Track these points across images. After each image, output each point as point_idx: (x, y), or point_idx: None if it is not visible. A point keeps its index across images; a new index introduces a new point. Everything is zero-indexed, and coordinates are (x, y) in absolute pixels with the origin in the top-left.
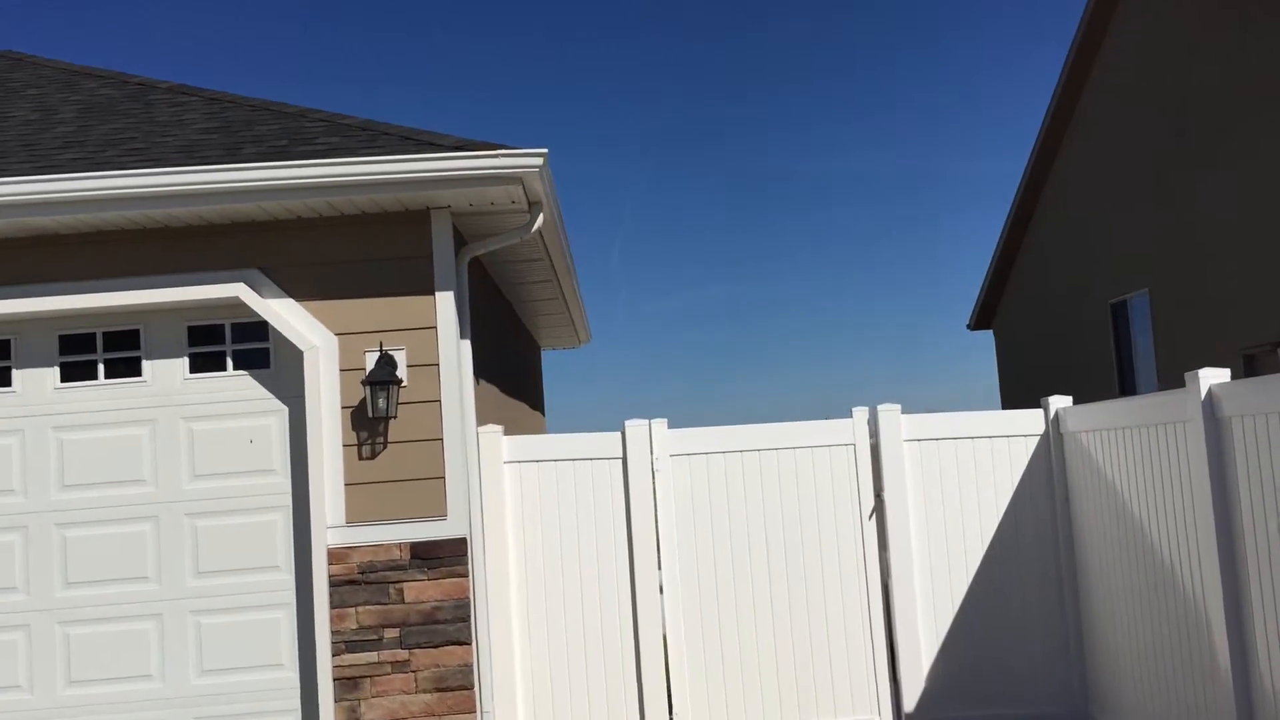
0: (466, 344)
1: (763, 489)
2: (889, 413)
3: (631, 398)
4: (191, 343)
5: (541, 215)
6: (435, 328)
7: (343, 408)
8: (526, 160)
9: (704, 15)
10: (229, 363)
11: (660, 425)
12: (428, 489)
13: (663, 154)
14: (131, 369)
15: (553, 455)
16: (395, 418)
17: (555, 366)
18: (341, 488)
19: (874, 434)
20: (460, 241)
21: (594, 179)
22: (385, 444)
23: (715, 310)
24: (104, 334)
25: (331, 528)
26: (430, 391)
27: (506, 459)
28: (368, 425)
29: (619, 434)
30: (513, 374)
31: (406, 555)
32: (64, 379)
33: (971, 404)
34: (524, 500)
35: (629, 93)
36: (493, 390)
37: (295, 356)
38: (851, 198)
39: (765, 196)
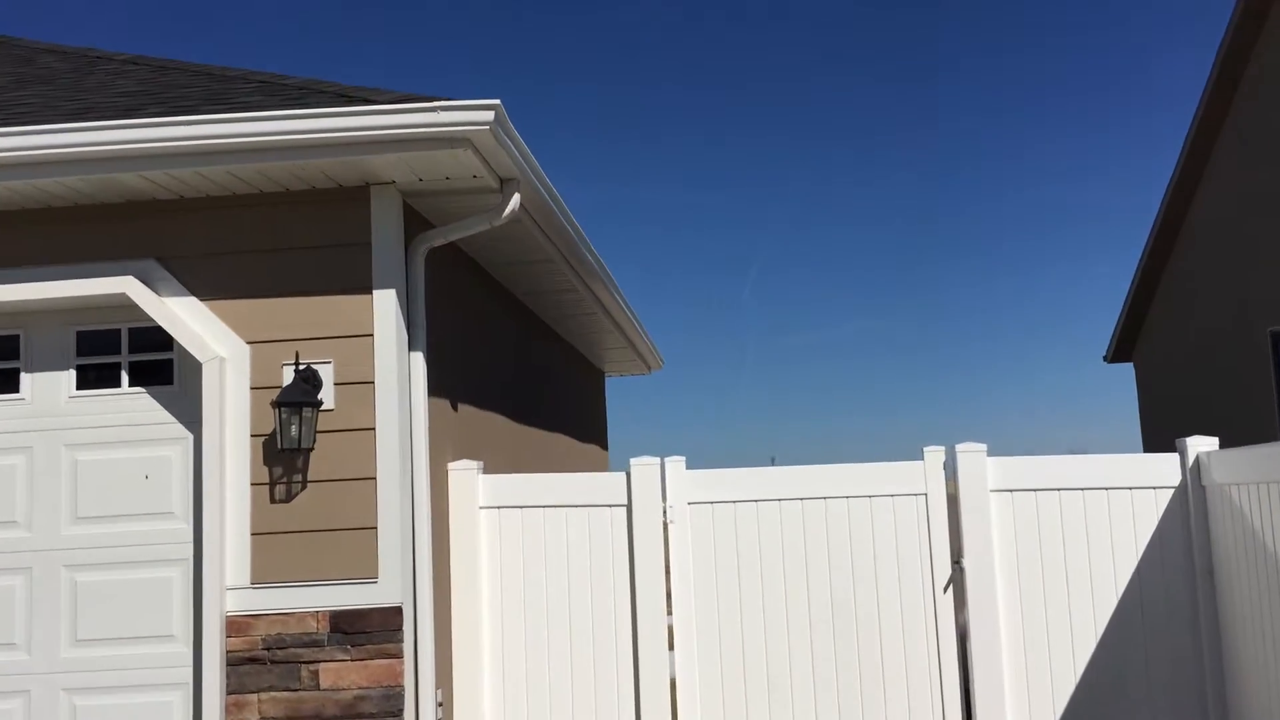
0: (419, 357)
1: (806, 548)
2: (971, 455)
3: (729, 434)
4: (81, 352)
5: (517, 195)
6: (372, 335)
7: (253, 436)
8: (469, 115)
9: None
10: (124, 377)
11: (676, 465)
12: (355, 542)
13: (802, 190)
14: (9, 383)
15: (541, 500)
16: (313, 449)
17: (661, 399)
18: (247, 538)
19: (952, 480)
20: (418, 229)
21: (730, 211)
22: (304, 483)
23: (839, 348)
24: None
25: (232, 589)
26: (363, 417)
27: (483, 503)
28: (282, 459)
29: (623, 475)
30: (541, 401)
31: (324, 627)
32: None
33: (1110, 446)
34: (503, 555)
35: (783, 127)
36: (494, 419)
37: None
38: (982, 231)
39: (896, 235)
